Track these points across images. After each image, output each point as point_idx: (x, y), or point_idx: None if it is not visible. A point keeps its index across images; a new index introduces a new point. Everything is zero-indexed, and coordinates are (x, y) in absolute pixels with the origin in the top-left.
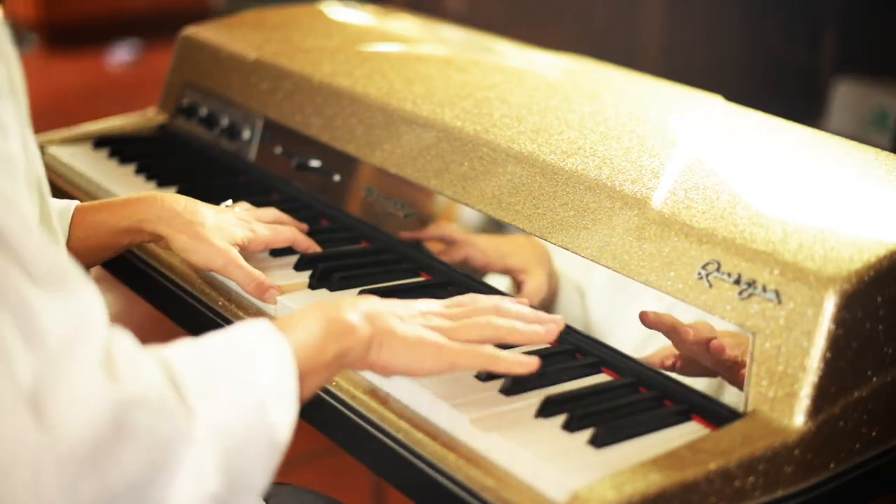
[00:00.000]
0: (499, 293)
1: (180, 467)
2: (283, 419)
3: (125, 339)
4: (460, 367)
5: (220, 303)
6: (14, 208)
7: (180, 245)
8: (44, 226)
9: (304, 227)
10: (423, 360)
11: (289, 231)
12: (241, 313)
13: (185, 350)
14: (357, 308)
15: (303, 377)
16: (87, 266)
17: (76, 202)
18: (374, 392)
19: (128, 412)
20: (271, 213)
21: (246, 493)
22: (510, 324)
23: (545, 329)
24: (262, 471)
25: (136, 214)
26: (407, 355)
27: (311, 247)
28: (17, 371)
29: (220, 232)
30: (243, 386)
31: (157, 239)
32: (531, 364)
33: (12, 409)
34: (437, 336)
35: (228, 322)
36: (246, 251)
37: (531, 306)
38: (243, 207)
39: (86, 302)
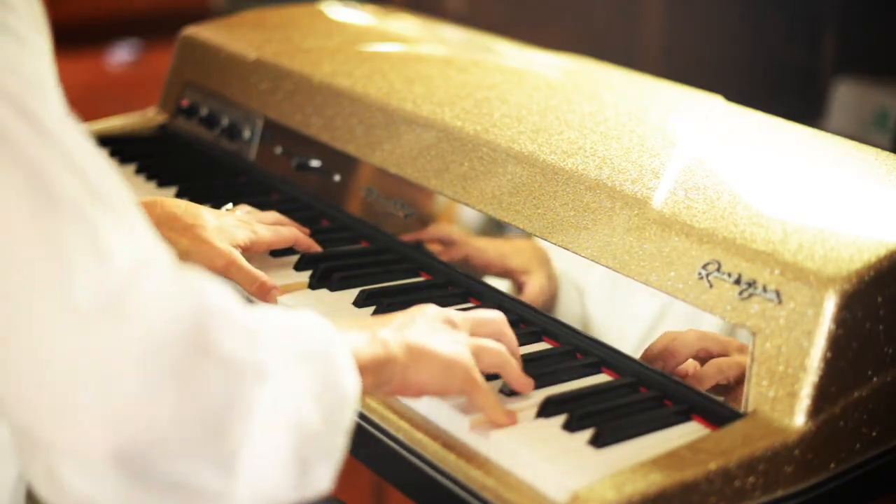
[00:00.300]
0: (500, 293)
1: (257, 402)
2: (351, 386)
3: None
4: (481, 394)
5: None
6: (76, 128)
7: (181, 248)
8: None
9: (306, 230)
10: (452, 384)
11: (290, 232)
12: None
13: (244, 307)
14: (391, 324)
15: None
16: None
17: None
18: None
19: (210, 321)
20: (272, 215)
21: (328, 451)
22: (515, 363)
23: (529, 384)
24: (339, 427)
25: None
26: (442, 377)
27: (312, 247)
28: (91, 283)
29: (221, 234)
30: (316, 357)
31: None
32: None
33: (84, 318)
34: (468, 359)
35: None
36: (248, 252)
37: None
38: (244, 210)
39: (141, 217)
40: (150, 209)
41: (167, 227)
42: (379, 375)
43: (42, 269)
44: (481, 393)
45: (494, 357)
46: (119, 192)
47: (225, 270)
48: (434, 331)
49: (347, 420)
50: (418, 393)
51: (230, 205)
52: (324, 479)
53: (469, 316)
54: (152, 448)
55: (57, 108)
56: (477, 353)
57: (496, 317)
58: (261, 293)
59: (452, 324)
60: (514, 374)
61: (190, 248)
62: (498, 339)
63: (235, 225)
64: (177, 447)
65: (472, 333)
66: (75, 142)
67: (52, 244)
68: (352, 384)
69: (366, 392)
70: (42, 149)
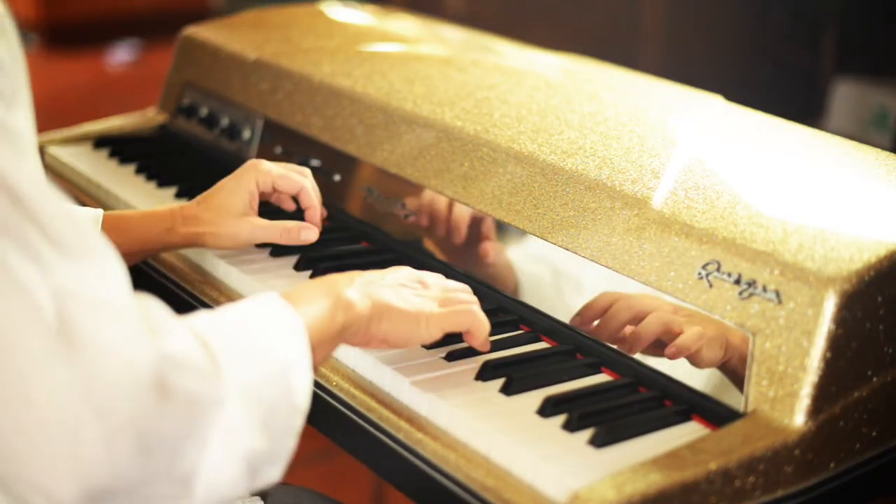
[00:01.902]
0: (500, 293)
1: (212, 428)
2: (302, 385)
3: (156, 303)
4: (450, 330)
5: (222, 301)
6: (29, 175)
7: (209, 240)
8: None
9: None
10: (417, 331)
11: (302, 174)
12: None
13: (208, 318)
14: (354, 283)
15: (313, 348)
16: None
17: (100, 210)
18: (373, 392)
19: (169, 369)
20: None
21: (276, 458)
22: (486, 322)
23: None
24: (289, 435)
25: (162, 223)
26: (404, 328)
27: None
28: (47, 324)
29: (231, 209)
30: (265, 353)
31: (190, 240)
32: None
33: (49, 363)
34: (430, 306)
35: None
36: (263, 196)
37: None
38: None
39: (112, 265)
40: (168, 212)
41: (191, 224)
42: (341, 337)
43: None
44: (459, 320)
45: (465, 315)
46: (81, 236)
47: (252, 239)
48: (400, 287)
49: (297, 429)
50: (381, 344)
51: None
52: (275, 475)
53: (440, 277)
54: (117, 487)
55: (30, 168)
56: (445, 306)
57: (466, 287)
58: (292, 237)
59: (424, 284)
60: (483, 337)
61: (214, 242)
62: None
63: (239, 175)
64: (139, 482)
65: (442, 296)
66: (44, 200)
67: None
68: (304, 399)
69: (328, 357)
70: (10, 207)
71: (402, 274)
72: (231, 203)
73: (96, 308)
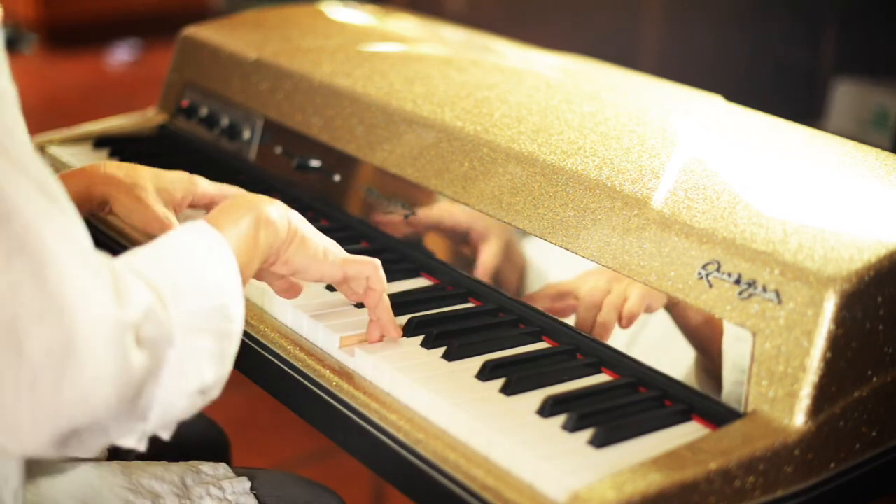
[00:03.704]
0: (500, 293)
1: (165, 365)
2: (237, 313)
3: (112, 260)
4: (351, 275)
5: None
6: (15, 132)
7: (120, 209)
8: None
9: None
10: (321, 264)
11: (235, 189)
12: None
13: (149, 256)
14: (277, 207)
15: (242, 269)
16: None
17: None
18: (373, 392)
19: (137, 322)
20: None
21: (219, 382)
22: (384, 280)
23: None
24: (230, 360)
25: (83, 182)
26: (310, 256)
27: None
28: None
29: (159, 195)
30: (205, 287)
31: (104, 204)
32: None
33: (38, 314)
34: (339, 247)
35: None
36: (192, 208)
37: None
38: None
39: (81, 223)
40: (94, 172)
41: (111, 187)
42: (262, 256)
43: None
44: (361, 269)
45: (367, 265)
46: (62, 191)
47: (159, 234)
48: (313, 227)
49: (235, 353)
50: (284, 267)
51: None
52: (216, 395)
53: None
54: (86, 427)
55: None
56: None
57: (373, 261)
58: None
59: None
60: (379, 291)
61: (128, 209)
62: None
63: (174, 181)
64: (106, 420)
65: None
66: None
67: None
68: (240, 325)
69: (251, 275)
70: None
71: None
72: (157, 198)
73: (82, 264)
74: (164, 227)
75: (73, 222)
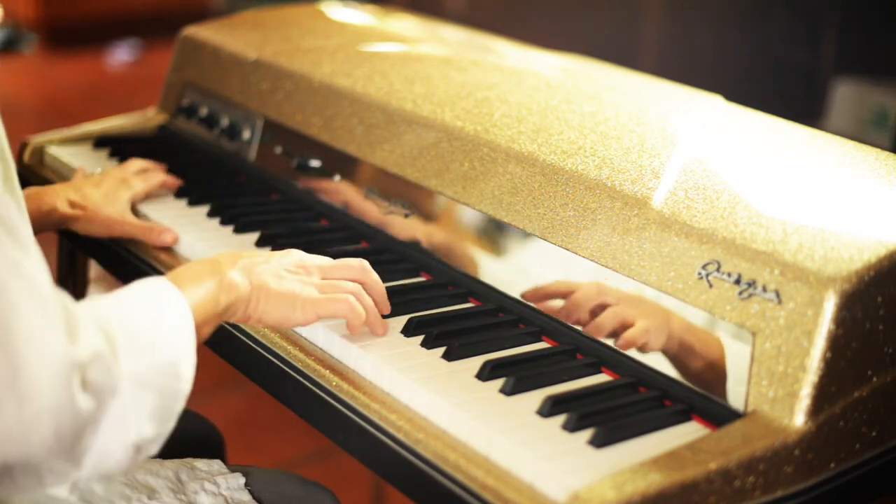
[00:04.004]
0: (500, 293)
1: (106, 414)
2: (187, 372)
3: (69, 299)
4: (325, 316)
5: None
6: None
7: (81, 227)
8: (8, 187)
9: (164, 166)
10: (293, 314)
11: (157, 176)
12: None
13: (108, 307)
14: (237, 265)
15: (198, 329)
16: None
17: None
18: (372, 392)
19: (83, 364)
20: (137, 164)
21: (159, 439)
22: (361, 311)
23: (383, 326)
24: (173, 418)
25: (48, 203)
26: (280, 310)
27: (175, 184)
28: None
29: (107, 202)
30: (157, 343)
31: (67, 221)
32: (384, 328)
33: None
34: (308, 291)
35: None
36: (132, 202)
37: (532, 308)
38: (117, 170)
39: (41, 260)
40: (55, 194)
41: (69, 209)
42: (221, 317)
43: None
44: (333, 309)
45: (340, 304)
46: (27, 228)
47: (123, 234)
48: (282, 271)
49: (179, 412)
50: (258, 323)
51: (99, 169)
52: (154, 451)
53: (326, 262)
54: (20, 465)
55: None
56: (324, 291)
57: (354, 262)
58: (155, 238)
59: (306, 269)
60: (366, 318)
61: (88, 227)
62: (358, 282)
63: (116, 189)
64: (41, 460)
65: (325, 277)
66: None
67: None
68: (188, 384)
69: (208, 335)
70: None
71: (287, 260)
72: (110, 206)
73: (33, 299)
74: (124, 225)
75: (29, 258)
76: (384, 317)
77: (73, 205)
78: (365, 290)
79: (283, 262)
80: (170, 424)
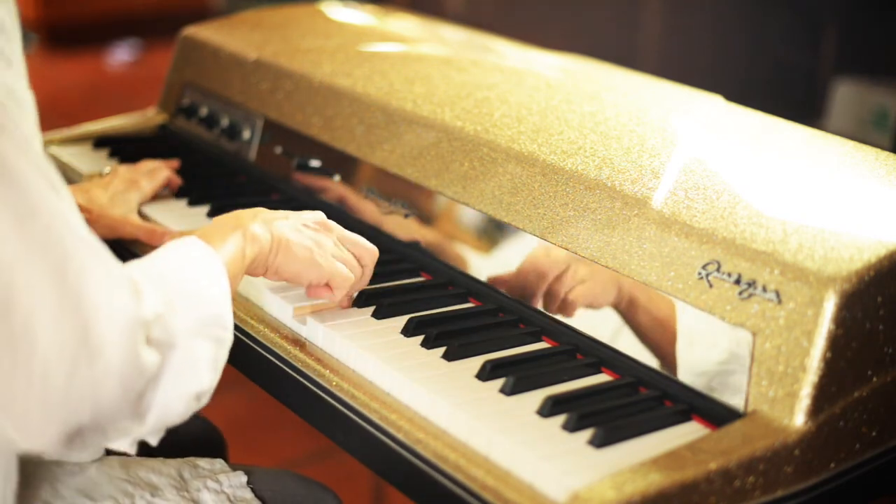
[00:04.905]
0: (499, 293)
1: (167, 370)
2: (230, 322)
3: (126, 266)
4: (331, 283)
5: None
6: (35, 149)
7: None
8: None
9: (175, 164)
10: (308, 270)
11: (162, 173)
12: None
13: (155, 268)
14: (258, 218)
15: (231, 281)
16: None
17: None
18: (372, 391)
19: (148, 324)
20: (146, 165)
21: (211, 388)
22: (349, 292)
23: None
24: (221, 367)
25: None
26: (296, 264)
27: (176, 181)
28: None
29: (115, 204)
30: (204, 299)
31: None
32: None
33: (55, 313)
34: (323, 252)
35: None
36: (140, 204)
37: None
38: (125, 170)
39: (89, 229)
40: None
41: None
42: (248, 268)
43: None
44: (335, 278)
45: (345, 280)
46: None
47: (127, 235)
48: (299, 226)
49: (225, 359)
50: (274, 276)
51: (107, 168)
52: (207, 401)
53: (344, 231)
54: (92, 425)
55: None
56: (337, 257)
57: (369, 245)
58: (153, 239)
59: (325, 227)
60: (339, 297)
61: (93, 227)
62: (360, 261)
63: (124, 190)
64: (110, 420)
65: (341, 243)
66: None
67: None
68: (231, 333)
69: (237, 285)
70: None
71: (306, 215)
72: (116, 209)
73: (98, 260)
74: (125, 225)
75: (87, 227)
76: (390, 315)
77: (79, 208)
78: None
79: (301, 218)
80: (220, 372)
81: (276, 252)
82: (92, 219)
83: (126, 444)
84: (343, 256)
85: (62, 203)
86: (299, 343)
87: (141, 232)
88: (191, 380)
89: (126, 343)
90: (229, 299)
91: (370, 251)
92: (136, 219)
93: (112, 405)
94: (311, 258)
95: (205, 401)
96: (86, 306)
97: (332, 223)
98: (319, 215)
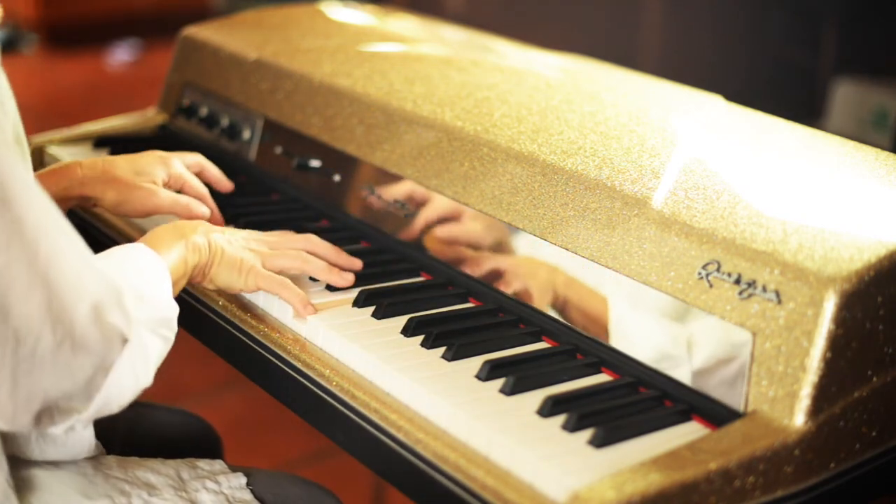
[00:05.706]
0: (499, 293)
1: (121, 360)
2: (175, 325)
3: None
4: (264, 290)
5: (222, 303)
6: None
7: (110, 202)
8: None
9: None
10: (238, 280)
11: (196, 158)
12: (240, 312)
13: (113, 264)
14: (198, 230)
15: (173, 287)
16: None
17: None
18: (373, 391)
19: (112, 314)
20: (192, 157)
21: (148, 382)
22: (316, 261)
23: (340, 276)
24: (159, 363)
25: (60, 183)
26: (229, 274)
27: (222, 180)
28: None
29: (141, 178)
30: (153, 299)
31: (86, 201)
32: (309, 309)
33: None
34: (254, 260)
35: (214, 308)
36: (167, 187)
37: (532, 308)
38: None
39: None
40: (71, 171)
41: (91, 185)
42: (189, 275)
43: None
44: (271, 286)
45: (290, 258)
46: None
47: (155, 209)
48: (232, 239)
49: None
50: (210, 284)
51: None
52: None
53: (273, 237)
54: (53, 399)
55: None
56: (270, 258)
57: (297, 235)
58: (188, 213)
59: (255, 241)
60: (316, 268)
61: (118, 200)
62: (309, 250)
63: (150, 162)
64: (64, 398)
65: (273, 248)
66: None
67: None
68: (174, 337)
69: (180, 289)
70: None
71: (239, 233)
72: (132, 176)
73: (69, 244)
74: (153, 196)
75: (61, 215)
76: (390, 314)
77: (84, 166)
78: (314, 255)
79: (235, 233)
80: (155, 368)
81: (211, 262)
82: (118, 187)
83: (61, 427)
84: (278, 263)
85: (35, 188)
86: (299, 343)
87: (174, 207)
88: (141, 371)
89: (94, 319)
90: (173, 302)
91: (301, 237)
92: (164, 192)
93: (74, 386)
94: (239, 268)
95: (133, 398)
96: (55, 284)
97: (258, 234)
98: (247, 231)
